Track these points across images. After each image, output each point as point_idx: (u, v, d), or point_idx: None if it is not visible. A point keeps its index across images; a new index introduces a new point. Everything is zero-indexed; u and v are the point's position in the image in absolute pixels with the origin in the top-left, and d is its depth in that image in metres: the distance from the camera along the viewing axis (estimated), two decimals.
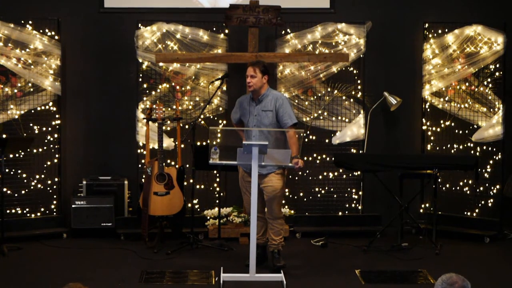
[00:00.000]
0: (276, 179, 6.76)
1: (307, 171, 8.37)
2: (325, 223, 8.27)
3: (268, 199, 6.77)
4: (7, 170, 7.79)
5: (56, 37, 8.07)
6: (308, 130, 8.29)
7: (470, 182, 8.28)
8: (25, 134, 8.03)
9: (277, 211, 6.85)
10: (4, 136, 7.86)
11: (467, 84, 8.26)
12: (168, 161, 8.12)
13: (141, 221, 7.61)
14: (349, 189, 8.45)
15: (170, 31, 8.15)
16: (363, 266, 7.00)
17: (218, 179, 8.08)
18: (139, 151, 8.18)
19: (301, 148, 6.74)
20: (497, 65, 8.14)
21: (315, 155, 8.40)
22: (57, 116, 8.19)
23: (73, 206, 7.98)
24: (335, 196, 8.43)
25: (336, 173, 8.41)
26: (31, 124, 8.10)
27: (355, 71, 8.38)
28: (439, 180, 8.19)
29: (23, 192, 8.08)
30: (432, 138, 8.45)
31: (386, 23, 8.53)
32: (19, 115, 8.02)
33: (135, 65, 8.19)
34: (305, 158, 8.27)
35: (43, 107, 8.14)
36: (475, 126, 8.21)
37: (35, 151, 8.10)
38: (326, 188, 8.42)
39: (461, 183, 8.35)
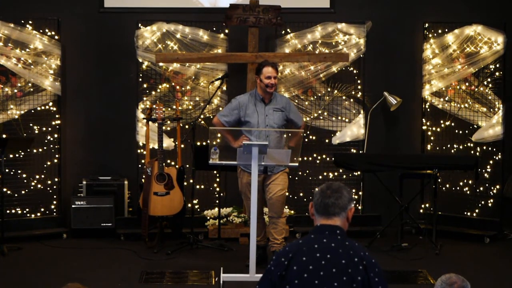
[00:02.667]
0: (284, 177, 6.86)
1: (307, 171, 8.37)
2: None
3: (277, 197, 6.82)
4: (7, 170, 7.79)
5: (56, 37, 8.07)
6: (308, 130, 8.29)
7: (470, 182, 8.28)
8: (25, 134, 8.03)
9: (282, 209, 6.93)
10: (4, 136, 7.86)
11: (467, 84, 8.26)
12: (168, 161, 8.11)
13: (141, 221, 7.61)
14: (349, 189, 8.42)
15: (170, 31, 8.14)
16: None
17: (218, 179, 8.08)
18: (139, 151, 8.18)
19: (301, 148, 6.78)
20: (497, 65, 8.13)
21: (315, 155, 8.39)
22: (57, 116, 8.18)
23: (73, 206, 7.98)
24: None
25: (336, 173, 8.40)
26: (31, 124, 8.10)
27: (355, 71, 8.37)
28: (439, 180, 8.18)
29: (23, 192, 8.08)
30: (432, 138, 8.44)
31: (386, 23, 8.52)
32: (19, 115, 8.01)
33: (135, 65, 8.19)
34: (305, 158, 8.27)
35: (43, 107, 8.14)
36: (475, 126, 8.21)
37: (35, 151, 8.09)
38: None
39: (461, 183, 8.34)
